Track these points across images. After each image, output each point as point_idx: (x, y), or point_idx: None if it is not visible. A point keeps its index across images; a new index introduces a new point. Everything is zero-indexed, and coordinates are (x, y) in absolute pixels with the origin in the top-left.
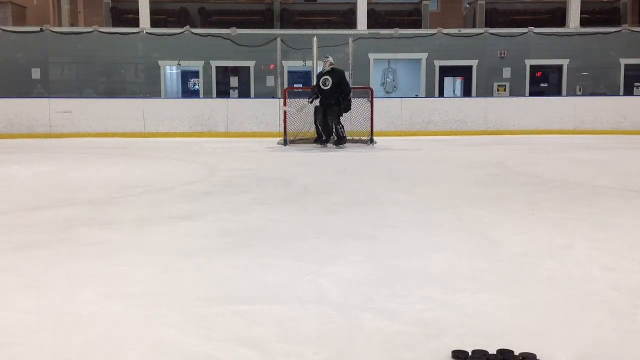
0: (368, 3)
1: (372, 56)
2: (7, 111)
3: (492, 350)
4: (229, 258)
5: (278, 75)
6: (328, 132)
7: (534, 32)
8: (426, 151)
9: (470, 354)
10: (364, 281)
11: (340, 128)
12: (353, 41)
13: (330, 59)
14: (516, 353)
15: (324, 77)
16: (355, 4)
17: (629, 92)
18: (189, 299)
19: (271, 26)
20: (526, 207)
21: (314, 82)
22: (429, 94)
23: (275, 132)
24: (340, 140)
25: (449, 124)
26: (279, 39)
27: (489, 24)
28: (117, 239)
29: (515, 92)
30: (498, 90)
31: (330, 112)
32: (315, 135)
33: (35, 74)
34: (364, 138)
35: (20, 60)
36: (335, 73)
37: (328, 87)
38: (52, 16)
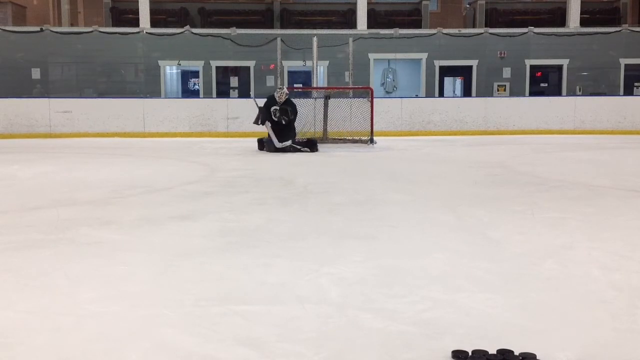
0: (368, 3)
1: (372, 56)
2: (7, 111)
3: (492, 350)
4: (229, 258)
5: (278, 75)
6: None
7: (534, 32)
8: (426, 151)
9: (470, 354)
10: (364, 281)
11: (298, 147)
12: (353, 41)
13: (285, 90)
14: (516, 353)
15: (274, 108)
16: (355, 4)
17: (629, 92)
18: (189, 299)
19: (271, 26)
20: (526, 207)
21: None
22: (429, 94)
23: None
24: (312, 148)
25: (449, 124)
26: (279, 39)
27: (489, 24)
28: (117, 239)
29: (515, 92)
30: (498, 90)
31: (286, 139)
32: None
33: (35, 74)
34: (364, 138)
35: (20, 60)
36: (288, 106)
37: (285, 122)
38: (52, 16)
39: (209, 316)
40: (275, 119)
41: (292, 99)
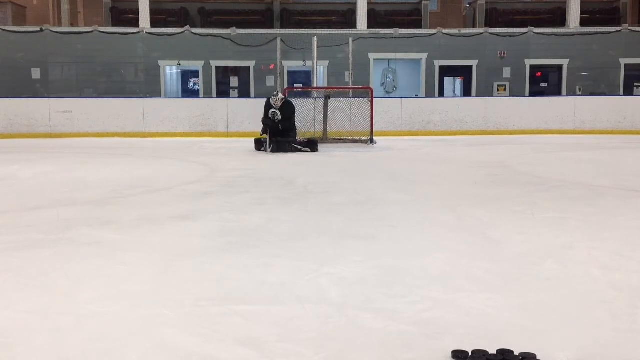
0: (368, 3)
1: (372, 56)
2: (7, 111)
3: (492, 350)
4: (229, 258)
5: (278, 75)
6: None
7: (534, 32)
8: (426, 151)
9: (470, 354)
10: (364, 281)
11: (299, 147)
12: (353, 41)
13: (281, 96)
14: (516, 353)
15: (272, 111)
16: (355, 4)
17: (629, 92)
18: (189, 299)
19: (271, 26)
20: (526, 207)
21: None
22: (429, 94)
23: None
24: (312, 148)
25: (449, 124)
26: (279, 39)
27: (489, 24)
28: (117, 239)
29: (515, 92)
30: (498, 90)
31: (282, 145)
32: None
33: (35, 74)
34: (364, 138)
35: (20, 60)
36: (286, 108)
37: (277, 120)
38: (52, 16)
39: (209, 316)
40: (274, 120)
41: (290, 100)
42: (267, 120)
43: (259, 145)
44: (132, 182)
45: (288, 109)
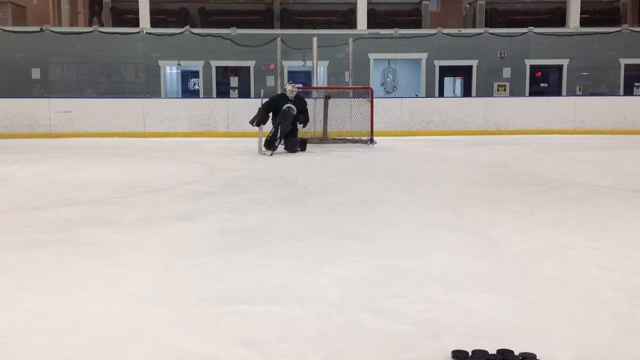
0: (368, 3)
1: (372, 56)
2: (7, 111)
3: (492, 350)
4: (229, 258)
5: (278, 75)
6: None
7: (534, 32)
8: (426, 151)
9: (470, 354)
10: (364, 281)
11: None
12: (353, 41)
13: (294, 87)
14: (516, 353)
15: (287, 106)
16: (355, 4)
17: (629, 92)
18: (189, 299)
19: (271, 26)
20: (526, 207)
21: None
22: (429, 94)
23: None
24: (301, 147)
25: (449, 124)
26: (279, 39)
27: (489, 24)
28: (117, 239)
29: (515, 92)
30: (498, 90)
31: (291, 143)
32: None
33: (35, 74)
34: (364, 138)
35: (20, 60)
36: (299, 102)
37: (293, 114)
38: (52, 16)
39: (209, 316)
40: (290, 114)
41: (301, 96)
42: (265, 117)
43: (271, 145)
44: (132, 182)
45: (301, 103)
